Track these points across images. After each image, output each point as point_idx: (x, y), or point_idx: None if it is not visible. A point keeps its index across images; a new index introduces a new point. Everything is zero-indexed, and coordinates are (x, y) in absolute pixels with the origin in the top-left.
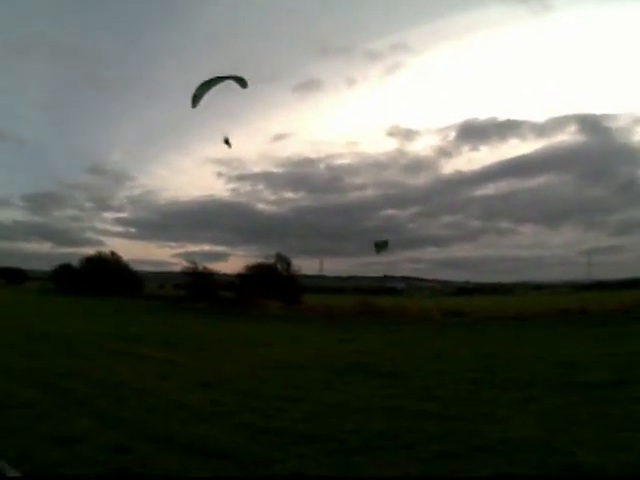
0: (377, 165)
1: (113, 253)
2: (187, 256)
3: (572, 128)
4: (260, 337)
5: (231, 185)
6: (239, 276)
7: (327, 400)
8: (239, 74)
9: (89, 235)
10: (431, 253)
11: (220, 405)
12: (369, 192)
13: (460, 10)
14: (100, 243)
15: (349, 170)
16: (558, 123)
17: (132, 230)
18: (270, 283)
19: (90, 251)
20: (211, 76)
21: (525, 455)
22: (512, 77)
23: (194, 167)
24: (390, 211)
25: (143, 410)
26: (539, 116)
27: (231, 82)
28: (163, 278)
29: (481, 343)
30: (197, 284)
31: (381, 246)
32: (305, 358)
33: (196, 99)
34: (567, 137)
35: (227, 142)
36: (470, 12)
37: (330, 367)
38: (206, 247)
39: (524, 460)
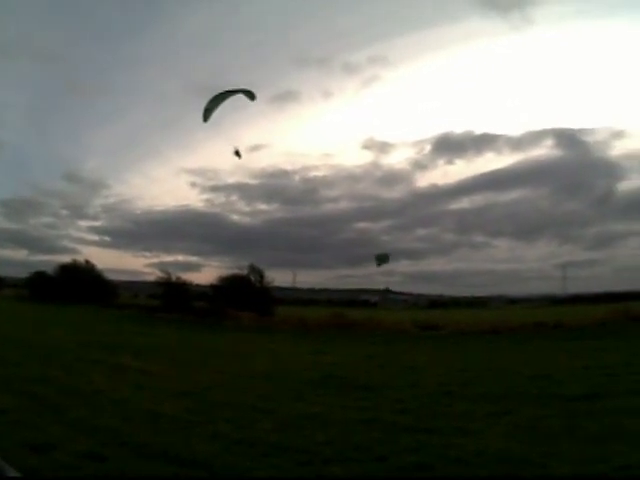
0: (352, 177)
1: (87, 261)
2: (161, 266)
3: (549, 142)
4: (233, 348)
5: (205, 195)
6: (212, 287)
7: (300, 411)
8: (218, 84)
9: (64, 243)
10: (405, 266)
11: (195, 415)
12: (343, 204)
13: (440, 23)
14: (75, 251)
15: (324, 182)
16: (535, 137)
17: (107, 239)
18: (243, 294)
19: (65, 259)
20: (221, 90)
21: (500, 468)
22: (489, 91)
23: (169, 177)
24: (364, 224)
25: (118, 418)
26: (516, 130)
27: (240, 95)
28: (137, 287)
29: (455, 356)
30: (171, 294)
31: (382, 259)
32: (278, 370)
33: (207, 113)
34: (543, 151)
35: (237, 154)
36: (449, 26)
37: (303, 379)
38: (180, 257)
39: (499, 473)
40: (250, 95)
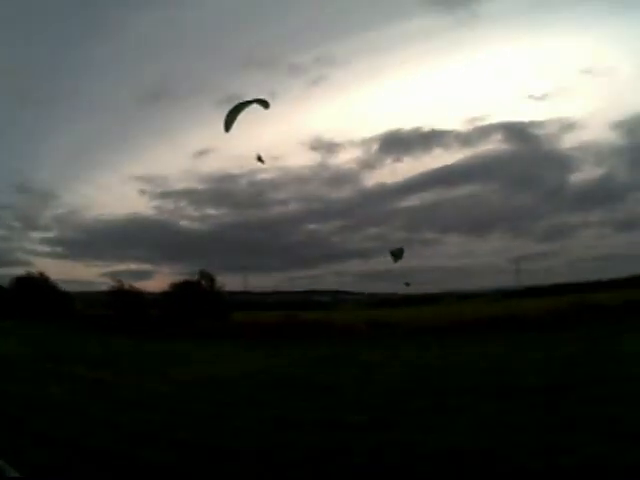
0: (300, 179)
1: (41, 274)
2: (114, 275)
3: (498, 137)
4: (189, 355)
5: (155, 202)
6: (165, 294)
7: (259, 415)
8: (165, 90)
9: (18, 255)
10: (356, 265)
11: (153, 423)
12: (292, 206)
13: (387, 22)
14: (29, 263)
15: (272, 185)
16: (483, 132)
17: (59, 249)
18: (196, 301)
19: (19, 271)
20: (237, 102)
21: (467, 462)
22: (437, 87)
23: (119, 184)
24: (313, 225)
25: (77, 430)
26: (464, 126)
27: (255, 105)
28: (91, 298)
29: (410, 354)
30: (124, 303)
31: (397, 254)
32: (235, 374)
33: (228, 125)
34: (492, 146)
35: (260, 159)
36: (397, 24)
37: (260, 383)
38: (132, 265)
39: (467, 467)
40: (265, 104)
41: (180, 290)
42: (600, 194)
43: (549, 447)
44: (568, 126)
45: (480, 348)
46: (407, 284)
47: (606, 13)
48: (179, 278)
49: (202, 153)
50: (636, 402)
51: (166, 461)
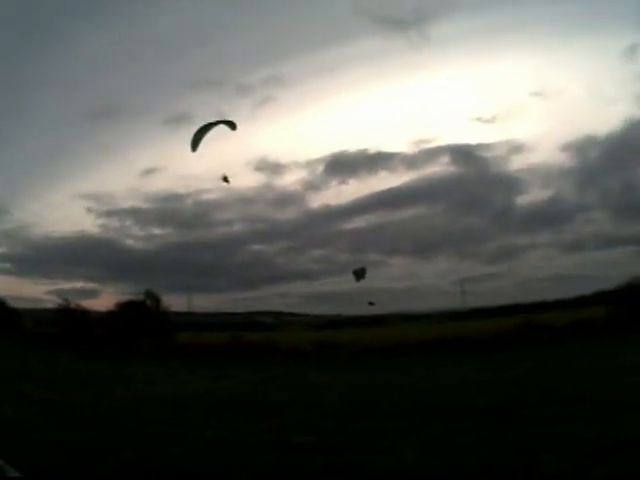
0: (245, 200)
1: None
2: (60, 293)
3: (445, 159)
4: (134, 375)
5: (101, 221)
6: (110, 313)
7: (207, 437)
8: (113, 108)
9: None
10: (300, 287)
11: (101, 443)
12: (237, 227)
13: (337, 43)
14: None
15: (217, 205)
16: (430, 154)
17: (7, 266)
18: (141, 321)
19: None
20: (204, 123)
21: None
22: (385, 109)
23: (66, 202)
24: (258, 246)
25: (24, 449)
26: (411, 148)
27: (222, 126)
28: (40, 315)
29: (357, 375)
30: (70, 322)
31: (360, 274)
32: (181, 395)
33: (195, 144)
34: (439, 168)
35: (226, 179)
36: (347, 45)
37: (206, 404)
38: (79, 284)
39: None
40: (232, 125)
41: (125, 310)
42: (548, 216)
43: (511, 466)
44: (516, 148)
45: (426, 370)
46: (371, 303)
47: (558, 36)
48: (125, 297)
49: (149, 172)
50: (589, 421)
51: None
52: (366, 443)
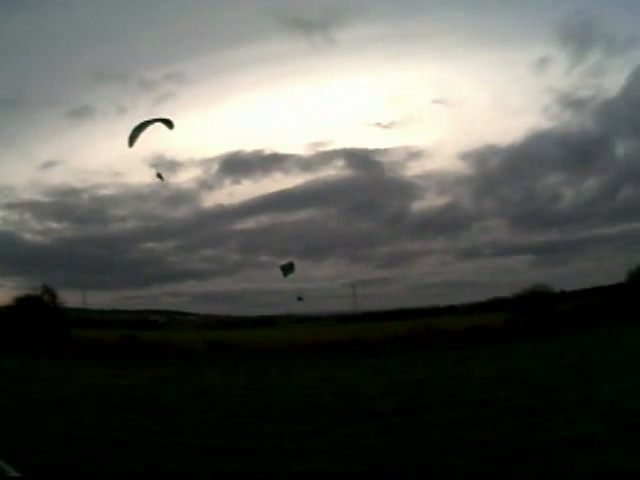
0: (139, 197)
1: None
2: None
3: (340, 163)
4: (31, 372)
5: (1, 213)
6: (7, 308)
7: (108, 438)
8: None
9: None
10: (191, 286)
11: None
12: (130, 224)
13: (241, 42)
14: None
15: (112, 201)
16: (325, 157)
17: None
18: (37, 316)
19: None
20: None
21: None
22: (284, 110)
23: None
24: (151, 244)
25: None
26: (307, 150)
27: (159, 124)
28: None
29: (251, 376)
30: None
31: (287, 269)
32: (78, 394)
33: (132, 140)
34: (334, 171)
35: (159, 176)
36: (252, 45)
37: (104, 403)
38: None
39: None
40: (169, 124)
41: (23, 304)
42: (444, 222)
43: (424, 469)
44: (414, 154)
45: (324, 371)
46: (300, 298)
47: (467, 46)
48: (23, 292)
49: (48, 165)
50: (496, 425)
51: None
52: (270, 446)
